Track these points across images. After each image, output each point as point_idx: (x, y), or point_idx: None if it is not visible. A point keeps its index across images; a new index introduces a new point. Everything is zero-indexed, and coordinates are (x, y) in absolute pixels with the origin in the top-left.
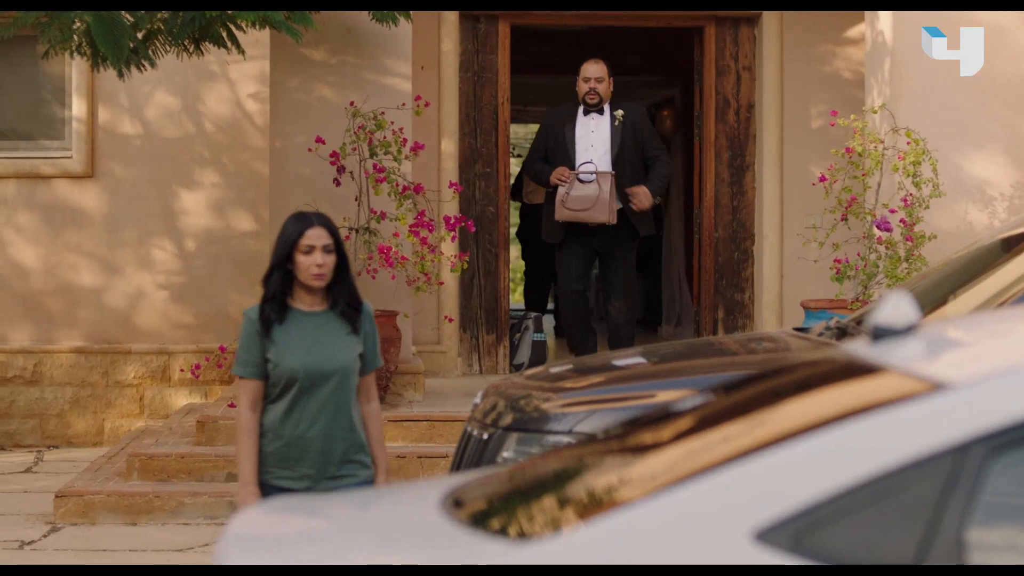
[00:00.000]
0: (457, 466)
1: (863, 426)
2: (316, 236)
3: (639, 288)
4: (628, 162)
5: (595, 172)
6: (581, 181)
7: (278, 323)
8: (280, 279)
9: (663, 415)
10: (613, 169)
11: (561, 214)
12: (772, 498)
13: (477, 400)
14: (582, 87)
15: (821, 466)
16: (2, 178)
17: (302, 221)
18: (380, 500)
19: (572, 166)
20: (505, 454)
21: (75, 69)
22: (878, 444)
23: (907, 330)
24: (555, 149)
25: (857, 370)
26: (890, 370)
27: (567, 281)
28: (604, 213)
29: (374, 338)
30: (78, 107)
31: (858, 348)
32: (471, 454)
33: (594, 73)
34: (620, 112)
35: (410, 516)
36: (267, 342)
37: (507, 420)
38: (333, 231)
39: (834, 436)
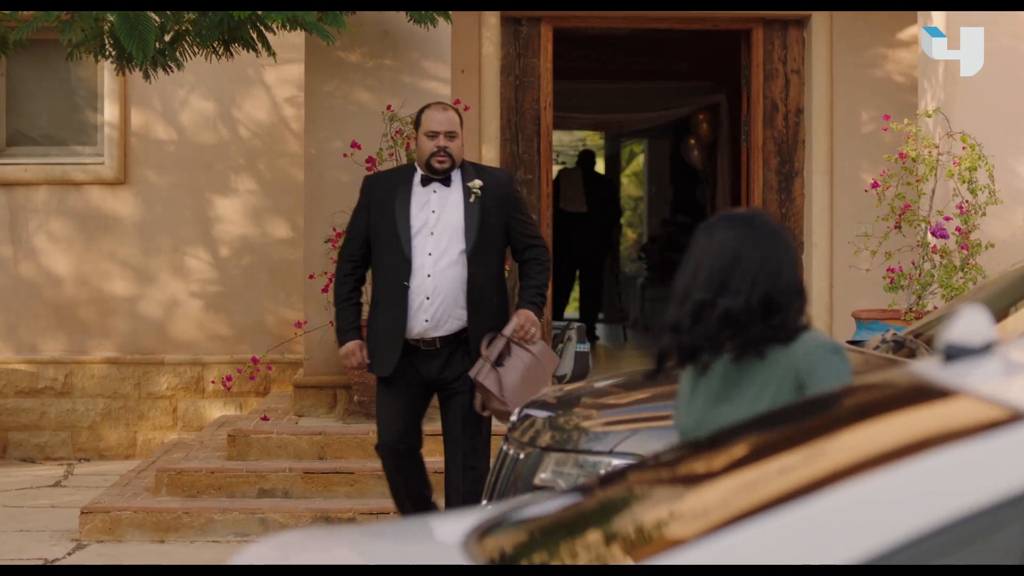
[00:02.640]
0: (493, 487)
1: (938, 461)
2: None
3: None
4: (485, 257)
5: (504, 339)
6: (498, 365)
7: None
8: None
9: (715, 441)
10: (468, 265)
11: (505, 417)
12: (836, 545)
13: (514, 417)
14: (425, 145)
15: (891, 508)
16: (33, 185)
17: None
18: (398, 535)
19: (406, 260)
20: (542, 475)
21: (107, 73)
22: (956, 483)
23: (983, 349)
24: (380, 236)
25: (928, 394)
26: (966, 394)
27: (387, 434)
28: (551, 364)
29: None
30: (110, 112)
31: (928, 368)
32: (507, 474)
33: (443, 125)
34: (478, 183)
35: (425, 555)
36: None
37: (545, 439)
38: None
39: (905, 473)
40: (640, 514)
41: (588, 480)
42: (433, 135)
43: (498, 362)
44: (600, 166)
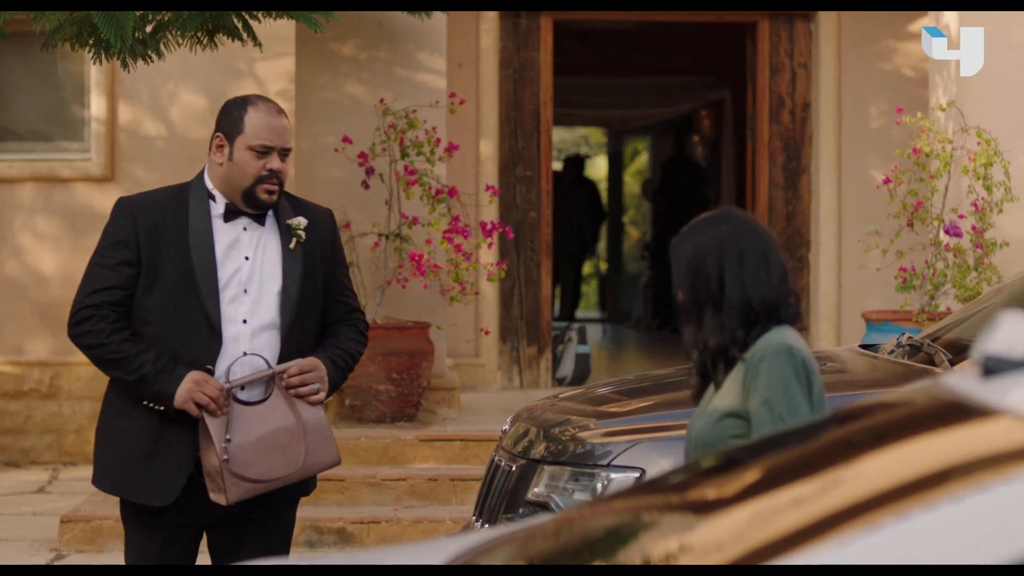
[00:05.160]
0: (483, 501)
1: (980, 493)
2: None
3: None
4: (303, 332)
5: (267, 372)
6: (242, 402)
7: None
8: None
9: (727, 463)
10: (282, 344)
11: (234, 489)
12: None
13: (506, 426)
14: (249, 165)
15: (927, 549)
16: (18, 181)
17: None
18: (380, 560)
19: (214, 330)
20: (536, 489)
21: (94, 67)
22: (1000, 520)
23: None
24: (159, 291)
25: (964, 412)
26: (1009, 414)
27: None
28: (324, 454)
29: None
30: (97, 107)
31: (963, 383)
32: (498, 488)
33: (280, 137)
34: (300, 221)
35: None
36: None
37: (538, 450)
38: None
39: (945, 506)
40: (648, 546)
41: (590, 501)
42: (264, 151)
43: (243, 399)
44: (602, 163)
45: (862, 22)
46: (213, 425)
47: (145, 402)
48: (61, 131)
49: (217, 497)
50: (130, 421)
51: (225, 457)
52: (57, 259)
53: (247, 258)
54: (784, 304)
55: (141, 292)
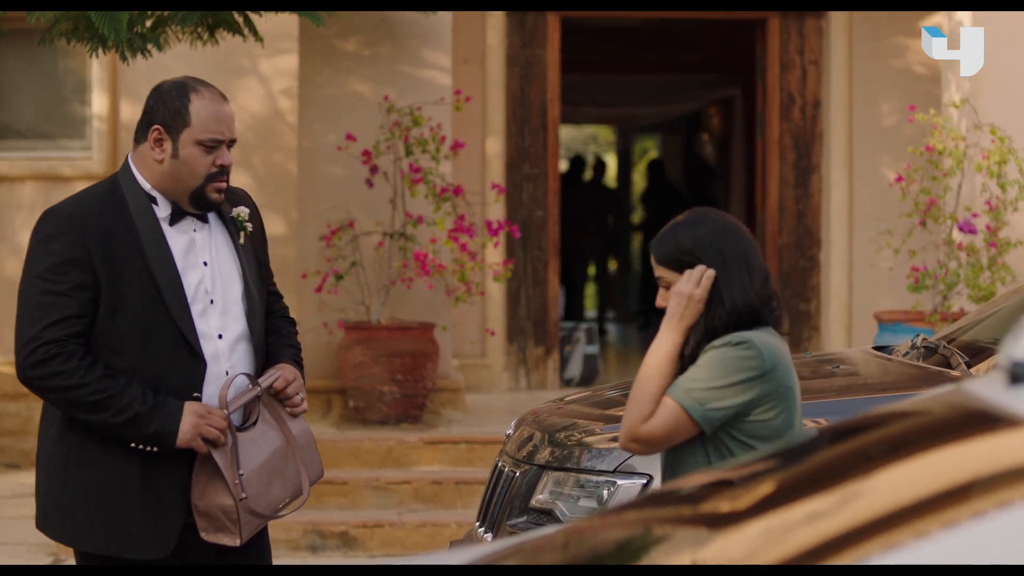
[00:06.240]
0: (486, 507)
1: (1004, 510)
2: None
3: None
4: (262, 336)
5: (256, 390)
6: (238, 429)
7: None
8: None
9: (739, 472)
10: (259, 338)
11: (247, 527)
12: None
13: (510, 430)
14: (199, 161)
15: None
16: (19, 180)
17: None
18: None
19: (193, 352)
20: (540, 496)
21: (96, 63)
22: None
23: None
24: (123, 312)
25: (989, 421)
26: None
27: None
28: (313, 468)
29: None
30: (99, 104)
31: (987, 390)
32: (501, 494)
33: (230, 128)
34: (243, 211)
35: None
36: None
37: (543, 455)
38: None
39: (972, 525)
40: (659, 561)
41: (600, 512)
42: (214, 145)
43: (242, 426)
44: (611, 162)
45: (873, 19)
46: (222, 460)
47: (134, 444)
48: (62, 129)
49: (221, 538)
50: (104, 465)
51: (243, 496)
52: None
53: (205, 263)
54: (767, 307)
55: (105, 317)
